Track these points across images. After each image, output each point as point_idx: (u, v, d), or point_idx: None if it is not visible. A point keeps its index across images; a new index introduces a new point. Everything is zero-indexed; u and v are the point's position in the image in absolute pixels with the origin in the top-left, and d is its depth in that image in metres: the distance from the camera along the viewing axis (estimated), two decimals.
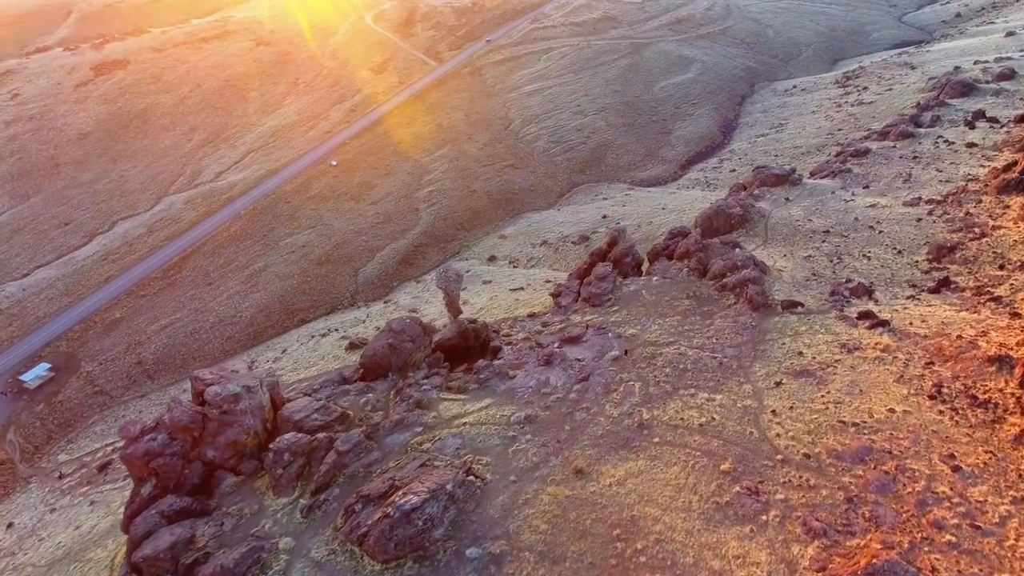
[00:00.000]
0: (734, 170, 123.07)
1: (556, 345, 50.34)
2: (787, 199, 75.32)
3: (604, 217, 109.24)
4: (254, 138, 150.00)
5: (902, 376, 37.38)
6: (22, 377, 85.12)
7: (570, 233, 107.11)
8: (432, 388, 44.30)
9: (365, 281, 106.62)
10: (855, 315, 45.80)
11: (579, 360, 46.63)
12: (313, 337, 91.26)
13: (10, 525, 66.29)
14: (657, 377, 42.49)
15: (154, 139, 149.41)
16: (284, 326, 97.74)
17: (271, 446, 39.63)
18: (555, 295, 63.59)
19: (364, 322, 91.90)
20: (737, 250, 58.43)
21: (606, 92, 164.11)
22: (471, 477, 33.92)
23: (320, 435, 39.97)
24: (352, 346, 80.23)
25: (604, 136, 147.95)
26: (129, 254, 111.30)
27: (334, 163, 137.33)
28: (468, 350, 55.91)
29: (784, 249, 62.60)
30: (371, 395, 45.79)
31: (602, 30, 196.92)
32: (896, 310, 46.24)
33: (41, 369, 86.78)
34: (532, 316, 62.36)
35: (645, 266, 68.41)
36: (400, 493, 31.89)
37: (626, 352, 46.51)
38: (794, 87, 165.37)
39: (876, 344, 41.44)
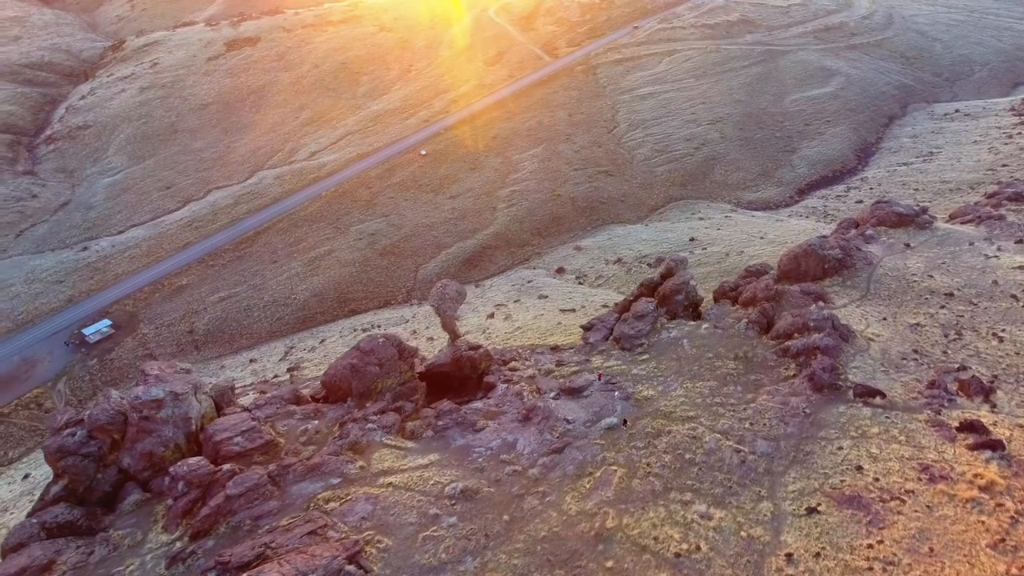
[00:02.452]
0: (861, 201, 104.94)
1: (552, 395, 41.24)
2: (907, 245, 60.23)
3: (691, 240, 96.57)
4: (355, 121, 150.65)
5: (1003, 541, 24.90)
6: (84, 331, 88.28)
7: (649, 253, 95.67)
8: (380, 428, 36.90)
9: (424, 278, 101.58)
10: (956, 423, 32.85)
11: (567, 421, 37.29)
12: (355, 331, 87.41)
13: (26, 476, 67.42)
14: (650, 466, 32.35)
15: (265, 114, 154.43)
16: (334, 314, 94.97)
17: (170, 470, 34.10)
18: (586, 328, 54.01)
19: (408, 322, 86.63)
20: (815, 305, 45.88)
21: (727, 101, 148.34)
22: (352, 566, 26.10)
23: (227, 466, 33.88)
24: None
25: (715, 149, 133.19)
26: (212, 223, 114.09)
27: (423, 152, 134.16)
28: (464, 380, 48.12)
29: (886, 310, 48.78)
30: (316, 422, 39.26)
31: (736, 34, 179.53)
32: (1021, 425, 32.62)
33: (103, 325, 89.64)
34: (555, 349, 53.25)
35: (706, 306, 57.02)
36: None
37: (625, 422, 36.53)
38: (956, 111, 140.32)
39: (975, 476, 28.76)
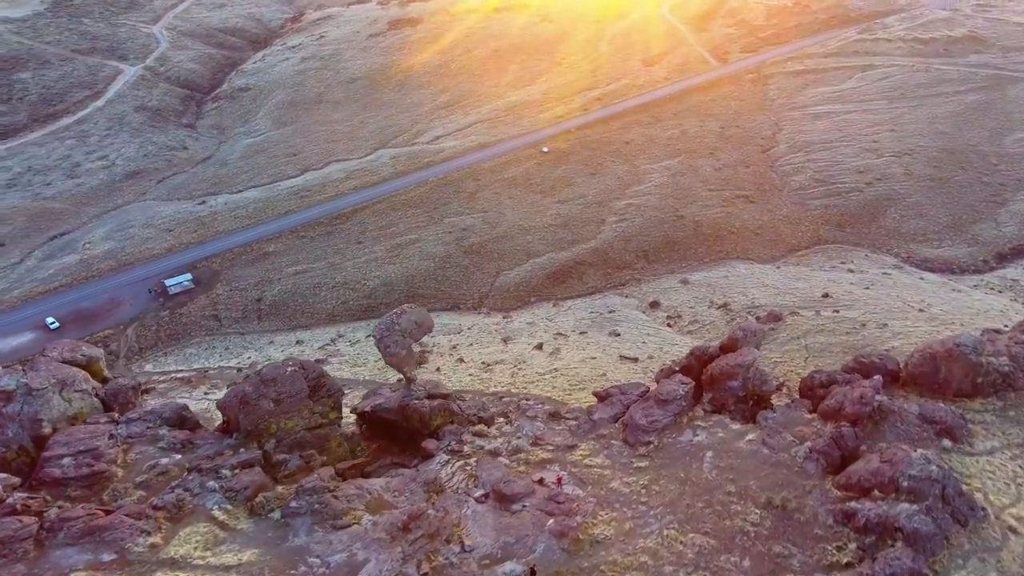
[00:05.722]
0: None
1: (479, 493, 29.72)
2: None
3: (824, 296, 76.75)
4: (489, 109, 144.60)
5: None
6: (167, 281, 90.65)
7: (764, 304, 77.52)
8: (222, 490, 27.97)
9: (501, 286, 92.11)
10: None
11: (461, 548, 25.72)
12: None
13: None
14: None
15: (405, 94, 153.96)
16: None
17: None
18: (600, 398, 40.95)
19: (458, 333, 77.69)
20: (920, 452, 29.20)
21: (925, 131, 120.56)
22: None
23: (12, 498, 26.81)
24: None
25: (894, 187, 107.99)
26: (318, 194, 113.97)
27: (545, 150, 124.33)
28: (415, 435, 37.92)
29: None
30: (178, 457, 31.40)
31: (957, 53, 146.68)
32: None
33: (184, 279, 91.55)
34: (553, 416, 40.86)
35: (779, 400, 41.54)
36: None
37: (533, 572, 24.09)
38: None
39: None
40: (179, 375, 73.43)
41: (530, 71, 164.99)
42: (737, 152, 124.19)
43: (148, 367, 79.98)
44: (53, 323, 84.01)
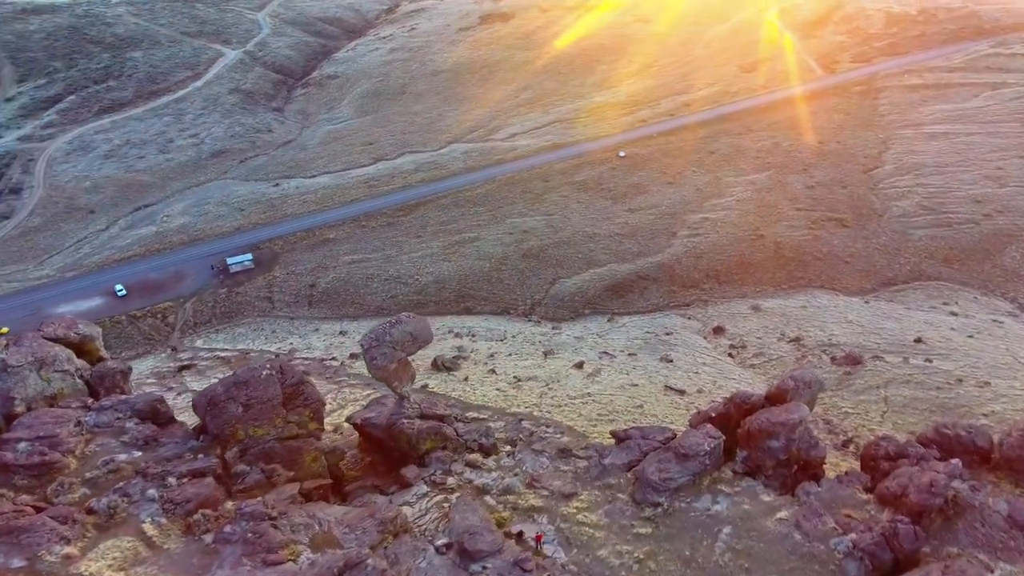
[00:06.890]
0: None
1: (441, 543, 25.93)
2: None
3: (917, 341, 67.21)
4: (569, 109, 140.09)
5: None
6: (229, 260, 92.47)
7: (844, 343, 68.87)
8: (161, 500, 25.56)
9: (555, 294, 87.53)
10: None
11: None
12: (450, 332, 77.49)
13: None
14: None
15: (487, 89, 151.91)
16: (446, 308, 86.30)
17: None
18: (618, 439, 35.91)
19: (501, 341, 73.99)
20: (1002, 573, 22.68)
21: None
22: None
23: None
24: (434, 366, 63.84)
25: (1017, 221, 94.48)
26: (386, 184, 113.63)
27: (622, 154, 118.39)
28: (404, 456, 34.53)
29: None
30: (137, 454, 29.42)
31: None
32: None
33: (245, 259, 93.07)
34: (562, 452, 36.26)
35: (841, 456, 35.39)
36: None
37: None
38: None
39: None
40: (222, 354, 74.01)
41: (618, 72, 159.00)
42: (835, 170, 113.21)
43: (199, 342, 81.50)
44: (121, 290, 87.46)
